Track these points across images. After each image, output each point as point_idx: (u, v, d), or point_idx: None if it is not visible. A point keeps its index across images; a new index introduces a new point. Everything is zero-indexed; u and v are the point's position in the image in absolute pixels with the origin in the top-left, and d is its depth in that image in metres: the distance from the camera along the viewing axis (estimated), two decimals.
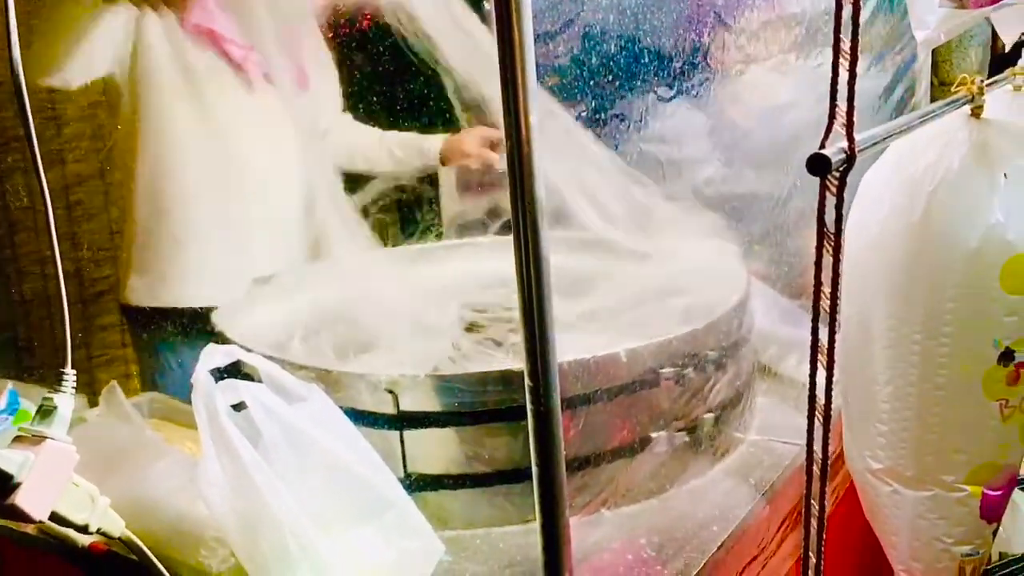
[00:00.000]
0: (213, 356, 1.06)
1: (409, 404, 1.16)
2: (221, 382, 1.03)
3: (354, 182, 1.81)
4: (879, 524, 0.99)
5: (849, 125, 0.63)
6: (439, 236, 1.83)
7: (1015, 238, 0.87)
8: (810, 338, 0.68)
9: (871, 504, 0.99)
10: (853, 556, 1.37)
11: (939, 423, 0.91)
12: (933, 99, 1.80)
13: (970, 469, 0.91)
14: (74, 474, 0.85)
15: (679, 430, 1.24)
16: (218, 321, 1.38)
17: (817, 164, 0.62)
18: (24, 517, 0.80)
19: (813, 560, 0.70)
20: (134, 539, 0.91)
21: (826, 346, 0.66)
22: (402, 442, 1.17)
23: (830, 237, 0.65)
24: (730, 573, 1.16)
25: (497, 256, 1.64)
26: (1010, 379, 0.90)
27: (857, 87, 0.66)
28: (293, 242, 1.79)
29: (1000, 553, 1.17)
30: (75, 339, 0.95)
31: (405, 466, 1.17)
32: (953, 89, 0.94)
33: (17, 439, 0.82)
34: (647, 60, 1.47)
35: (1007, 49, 1.38)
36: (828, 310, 0.65)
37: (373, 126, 1.96)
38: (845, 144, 0.64)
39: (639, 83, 1.52)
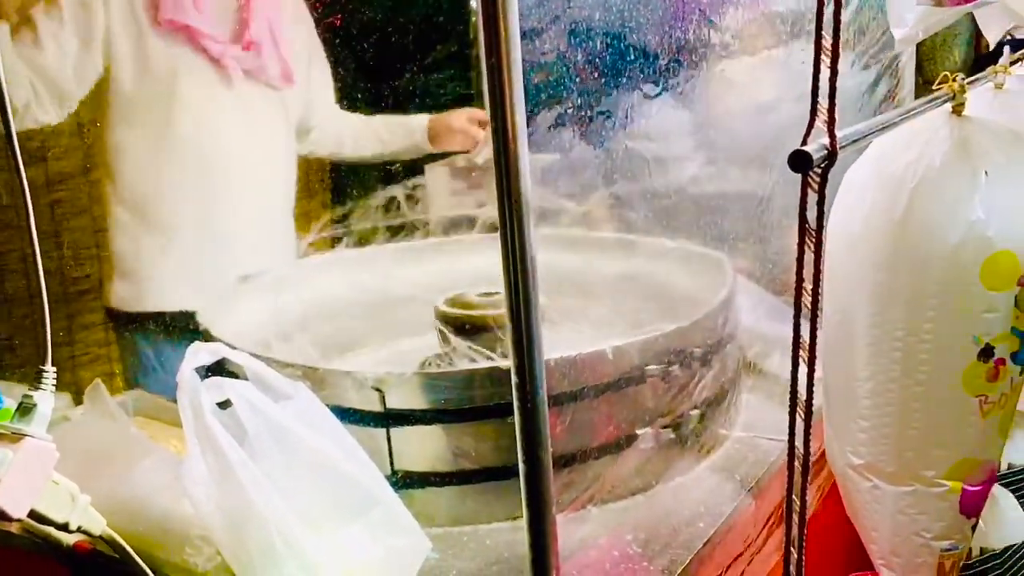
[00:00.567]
0: (198, 354, 1.05)
1: (396, 402, 1.16)
2: (207, 380, 1.03)
3: (342, 177, 1.81)
4: (860, 520, 1.00)
5: (831, 122, 0.63)
6: (426, 235, 1.83)
7: (995, 235, 0.88)
8: (792, 335, 0.68)
9: (852, 500, 1.00)
10: (836, 553, 1.38)
11: (919, 419, 0.92)
12: (917, 97, 1.82)
13: (950, 465, 0.92)
14: (54, 472, 0.84)
15: (665, 427, 1.24)
16: (203, 319, 1.37)
17: (798, 160, 0.62)
18: (2, 515, 0.79)
19: (795, 555, 0.71)
20: (115, 537, 0.91)
21: (808, 342, 0.66)
22: (389, 440, 1.17)
23: (811, 233, 0.65)
24: (716, 569, 1.16)
25: (483, 253, 1.64)
26: (990, 375, 0.90)
27: (841, 84, 0.67)
28: (279, 240, 1.78)
29: (980, 548, 1.18)
30: (57, 337, 0.94)
31: (392, 463, 1.17)
32: (935, 87, 0.95)
33: None
34: (632, 57, 1.47)
35: (991, 48, 1.39)
36: (810, 306, 0.66)
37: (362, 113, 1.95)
38: (827, 140, 0.64)
39: (624, 80, 1.53)
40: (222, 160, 1.73)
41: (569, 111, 1.44)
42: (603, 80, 1.48)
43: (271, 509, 0.98)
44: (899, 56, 1.65)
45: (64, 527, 0.87)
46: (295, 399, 1.08)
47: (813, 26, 0.67)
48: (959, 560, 0.97)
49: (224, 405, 1.03)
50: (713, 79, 1.53)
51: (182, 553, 1.04)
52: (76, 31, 1.58)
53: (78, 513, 0.88)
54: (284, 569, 0.99)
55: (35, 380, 0.84)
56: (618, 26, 1.36)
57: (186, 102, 1.69)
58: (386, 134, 1.93)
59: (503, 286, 0.82)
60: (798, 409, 0.65)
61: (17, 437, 0.81)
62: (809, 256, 0.65)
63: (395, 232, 1.78)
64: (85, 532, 0.89)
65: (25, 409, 0.82)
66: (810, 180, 0.64)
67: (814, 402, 0.66)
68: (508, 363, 1.18)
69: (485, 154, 1.90)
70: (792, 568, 0.70)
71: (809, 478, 0.74)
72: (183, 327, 1.59)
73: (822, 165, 0.63)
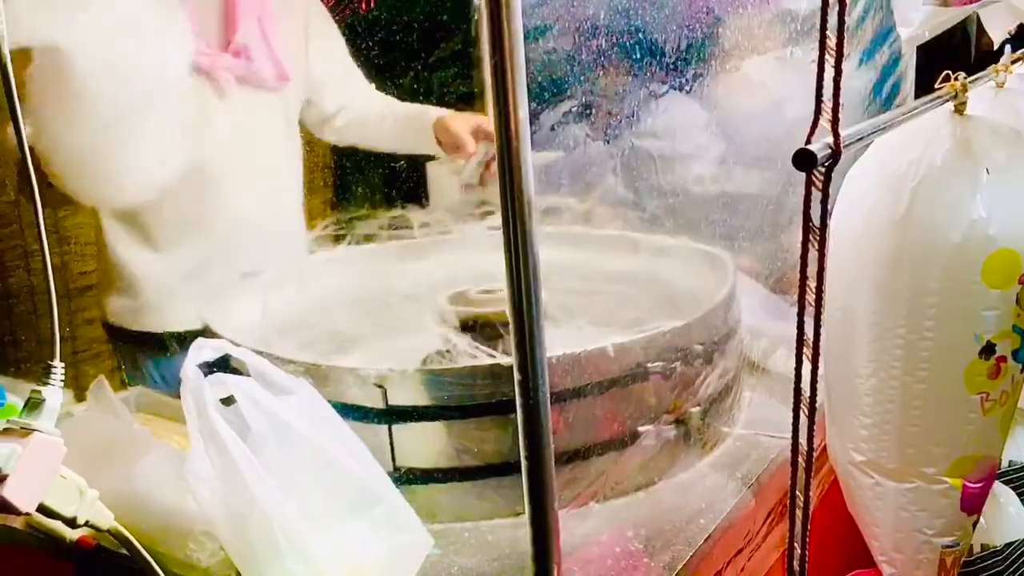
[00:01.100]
0: (202, 350, 1.06)
1: (398, 398, 1.17)
2: (210, 376, 1.03)
3: (346, 175, 1.80)
4: (861, 516, 1.00)
5: (835, 120, 0.63)
6: (427, 232, 1.82)
7: (997, 233, 0.88)
8: (795, 332, 0.68)
9: (853, 496, 1.00)
10: (837, 548, 1.38)
11: (921, 416, 0.92)
12: (918, 97, 1.82)
13: (951, 462, 0.93)
14: (62, 467, 0.85)
15: (667, 424, 1.25)
16: (205, 316, 1.38)
17: (802, 159, 0.63)
18: (11, 509, 0.79)
19: (798, 551, 0.71)
20: (123, 531, 0.91)
21: (811, 340, 0.67)
22: (391, 436, 1.17)
23: (815, 231, 0.66)
24: (717, 565, 1.17)
25: (485, 250, 1.64)
26: (991, 373, 0.91)
27: (844, 84, 0.67)
28: (285, 241, 1.76)
29: (981, 544, 1.18)
30: (61, 333, 0.94)
31: (394, 460, 1.18)
32: (937, 85, 0.95)
33: (4, 431, 0.82)
34: (640, 54, 1.48)
35: (995, 47, 1.39)
36: (813, 304, 0.66)
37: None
38: (831, 139, 0.64)
39: (632, 77, 1.53)
40: (221, 174, 1.66)
41: (571, 109, 1.45)
42: (606, 78, 1.48)
43: (274, 505, 0.98)
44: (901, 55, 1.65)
45: (72, 521, 0.87)
46: (297, 395, 1.08)
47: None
48: (960, 557, 0.98)
49: (227, 402, 1.03)
50: (718, 78, 1.54)
51: (185, 549, 1.05)
52: None
53: (86, 507, 0.88)
54: (287, 565, 1.00)
55: (43, 375, 0.84)
56: (622, 23, 1.37)
57: (179, 120, 1.60)
58: (404, 119, 1.88)
59: (506, 283, 0.83)
60: (802, 405, 0.66)
61: (26, 432, 0.81)
62: (813, 254, 0.66)
63: (397, 229, 1.77)
64: (93, 526, 0.89)
65: (33, 404, 0.83)
66: (814, 178, 0.64)
67: (816, 399, 0.67)
68: (510, 360, 1.19)
69: (469, 174, 1.83)
70: (795, 563, 0.70)
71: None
72: (183, 344, 1.56)
73: (826, 164, 0.64)
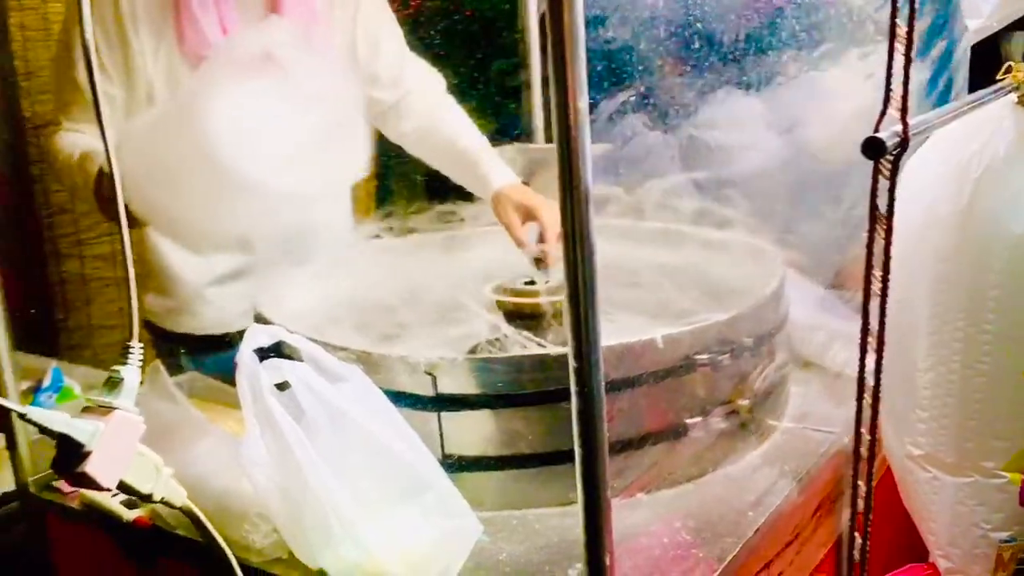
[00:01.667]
0: (257, 336, 1.07)
1: (447, 386, 1.18)
2: (265, 361, 1.05)
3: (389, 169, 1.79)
4: (917, 510, 0.99)
5: (903, 108, 0.63)
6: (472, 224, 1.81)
7: None
8: (860, 322, 0.68)
9: (909, 490, 0.99)
10: (887, 541, 1.37)
11: (980, 410, 0.91)
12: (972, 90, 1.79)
13: (1011, 456, 0.91)
14: (139, 444, 0.87)
15: (715, 416, 1.24)
16: (257, 303, 1.40)
17: (871, 147, 0.62)
18: (94, 485, 0.82)
19: (859, 540, 0.71)
20: (194, 509, 0.93)
21: (876, 330, 0.66)
22: (440, 424, 1.19)
23: (882, 220, 0.65)
24: (766, 558, 1.16)
25: None
26: None
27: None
28: (333, 233, 1.75)
29: None
30: (113, 319, 0.97)
31: (443, 447, 1.19)
32: (999, 77, 0.94)
33: (86, 409, 0.84)
34: (698, 46, 1.47)
35: None
36: (880, 293, 0.65)
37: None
38: (899, 127, 0.64)
39: (688, 69, 1.53)
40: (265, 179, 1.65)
41: (626, 101, 1.45)
42: (660, 69, 1.48)
43: (327, 490, 0.99)
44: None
45: (148, 497, 0.89)
46: (350, 382, 1.09)
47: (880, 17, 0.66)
48: (1018, 552, 0.96)
49: (282, 387, 1.05)
50: (772, 71, 1.53)
51: (240, 530, 1.07)
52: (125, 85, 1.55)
53: (161, 484, 0.90)
54: (339, 548, 1.01)
55: (122, 355, 0.87)
56: (685, 15, 1.36)
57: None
58: (467, 166, 1.72)
59: (564, 273, 0.83)
60: (865, 396, 0.65)
61: (107, 410, 0.83)
62: (878, 243, 0.65)
63: (443, 221, 1.78)
64: (167, 503, 0.91)
65: (113, 383, 0.85)
66: (881, 167, 0.63)
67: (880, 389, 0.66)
68: (558, 350, 1.20)
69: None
70: (856, 552, 0.70)
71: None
72: (223, 346, 1.55)
73: (894, 152, 0.63)
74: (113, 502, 1.22)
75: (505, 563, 1.10)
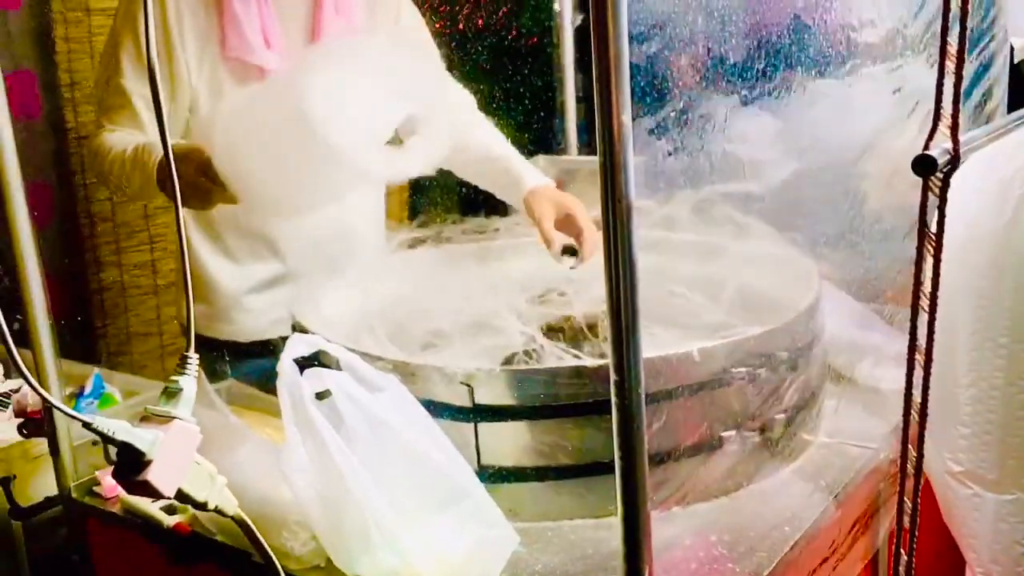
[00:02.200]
0: (297, 345, 1.09)
1: (484, 397, 1.18)
2: (307, 370, 1.06)
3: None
4: (957, 526, 0.98)
5: (954, 126, 0.63)
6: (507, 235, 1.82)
7: None
8: (903, 338, 0.68)
9: (949, 506, 0.98)
10: (926, 556, 1.35)
11: (1022, 427, 0.90)
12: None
13: None
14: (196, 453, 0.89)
15: (751, 430, 1.24)
16: (295, 312, 1.41)
17: (923, 164, 0.62)
18: (154, 493, 0.83)
19: (904, 557, 0.71)
20: (245, 519, 0.95)
21: (923, 347, 0.66)
22: (476, 434, 1.19)
23: (931, 238, 0.65)
24: (801, 573, 1.16)
25: None
26: None
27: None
28: (368, 244, 1.76)
29: None
30: (150, 327, 0.98)
31: (479, 458, 1.20)
32: None
33: (144, 419, 0.86)
34: (731, 62, 1.48)
35: None
36: (928, 310, 0.65)
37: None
38: (949, 145, 0.64)
39: (715, 85, 1.53)
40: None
41: (658, 114, 1.45)
42: (693, 85, 1.48)
43: (368, 497, 1.01)
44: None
45: (203, 506, 0.90)
46: (388, 391, 1.11)
47: (929, 41, 0.67)
48: None
49: (322, 396, 1.06)
50: (804, 87, 1.53)
51: (279, 537, 1.08)
52: (169, 97, 1.58)
53: (216, 493, 0.92)
54: (378, 556, 1.02)
55: (180, 365, 0.88)
56: (717, 32, 1.37)
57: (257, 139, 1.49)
58: (499, 173, 1.72)
59: (604, 285, 0.84)
60: (912, 412, 0.65)
61: (166, 419, 0.85)
62: (927, 260, 0.65)
63: (477, 232, 1.79)
64: (220, 512, 0.92)
65: (171, 393, 0.86)
66: (931, 184, 0.64)
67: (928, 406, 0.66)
68: (596, 361, 1.20)
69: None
70: (901, 569, 0.70)
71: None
72: (261, 353, 1.59)
73: (944, 169, 0.63)
74: (153, 508, 1.24)
75: (541, 574, 1.11)
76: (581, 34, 2.27)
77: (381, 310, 1.49)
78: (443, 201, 2.04)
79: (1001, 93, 1.73)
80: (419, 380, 1.19)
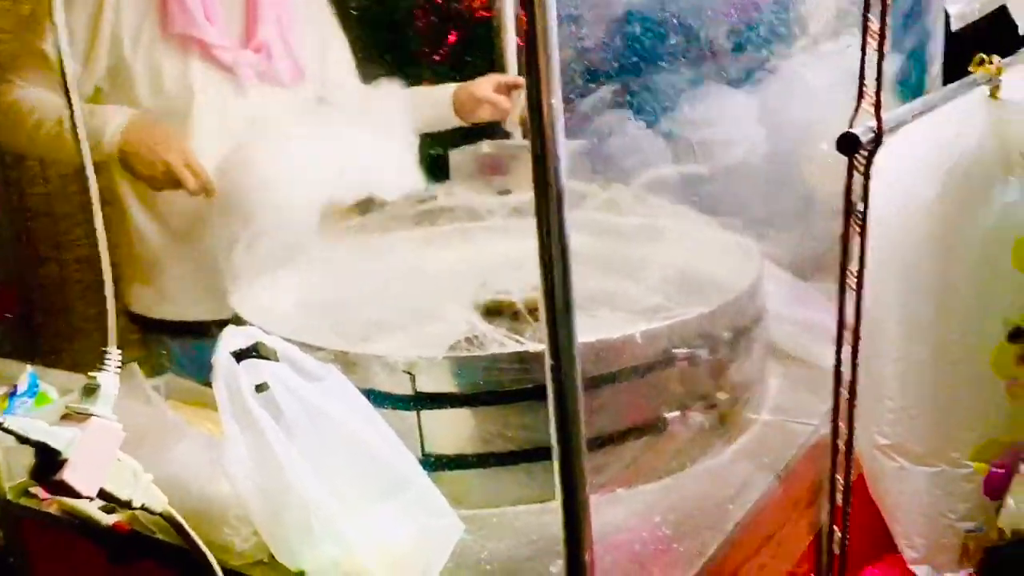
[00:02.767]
0: (233, 338, 1.07)
1: (426, 385, 1.17)
2: (243, 362, 1.04)
3: None
4: (884, 501, 1.00)
5: (877, 104, 0.63)
6: (450, 220, 1.82)
7: None
8: (836, 315, 0.68)
9: (876, 481, 1.00)
10: (869, 532, 1.38)
11: (948, 400, 0.92)
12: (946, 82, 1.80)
13: (977, 446, 0.92)
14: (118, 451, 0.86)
15: (694, 411, 1.25)
16: (233, 303, 1.39)
17: (846, 143, 0.62)
18: (72, 492, 0.81)
19: (838, 534, 0.72)
20: (175, 515, 0.93)
21: (852, 324, 0.67)
22: (419, 422, 1.18)
23: (857, 216, 0.66)
24: (747, 552, 1.17)
25: (510, 239, 1.65)
26: (1020, 358, 0.90)
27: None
28: (307, 232, 1.76)
29: (1012, 531, 1.17)
30: (90, 323, 0.96)
31: (423, 446, 1.19)
32: (971, 69, 0.95)
33: (64, 417, 0.83)
34: (677, 41, 1.48)
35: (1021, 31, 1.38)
36: (855, 288, 0.66)
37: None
38: (874, 123, 0.64)
39: (670, 64, 1.53)
40: (241, 168, 1.66)
41: (605, 97, 1.45)
42: (640, 66, 1.48)
43: (308, 489, 0.99)
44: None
45: (128, 504, 0.88)
46: (328, 382, 1.09)
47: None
48: (983, 541, 0.97)
49: (260, 388, 1.05)
50: (753, 67, 1.53)
51: (220, 533, 1.06)
52: (77, 58, 1.59)
53: (141, 490, 0.89)
54: (319, 548, 1.01)
55: (99, 361, 0.86)
56: (658, 10, 1.37)
57: (202, 117, 1.67)
58: (411, 108, 1.85)
59: (538, 270, 0.83)
60: (841, 389, 0.66)
61: (83, 416, 0.82)
62: (854, 238, 0.66)
63: (421, 218, 1.77)
64: (147, 509, 0.90)
65: (89, 389, 0.84)
66: (856, 163, 0.64)
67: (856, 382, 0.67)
68: (537, 346, 1.20)
69: (515, 116, 1.89)
70: (835, 546, 0.70)
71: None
72: (207, 333, 1.58)
73: (869, 148, 0.64)
74: (91, 508, 1.21)
75: (487, 561, 1.10)
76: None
77: (322, 300, 1.47)
78: None
79: (936, 71, 1.76)
80: (360, 369, 1.18)
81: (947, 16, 1.38)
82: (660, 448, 1.24)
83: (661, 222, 1.56)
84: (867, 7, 0.62)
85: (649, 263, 1.45)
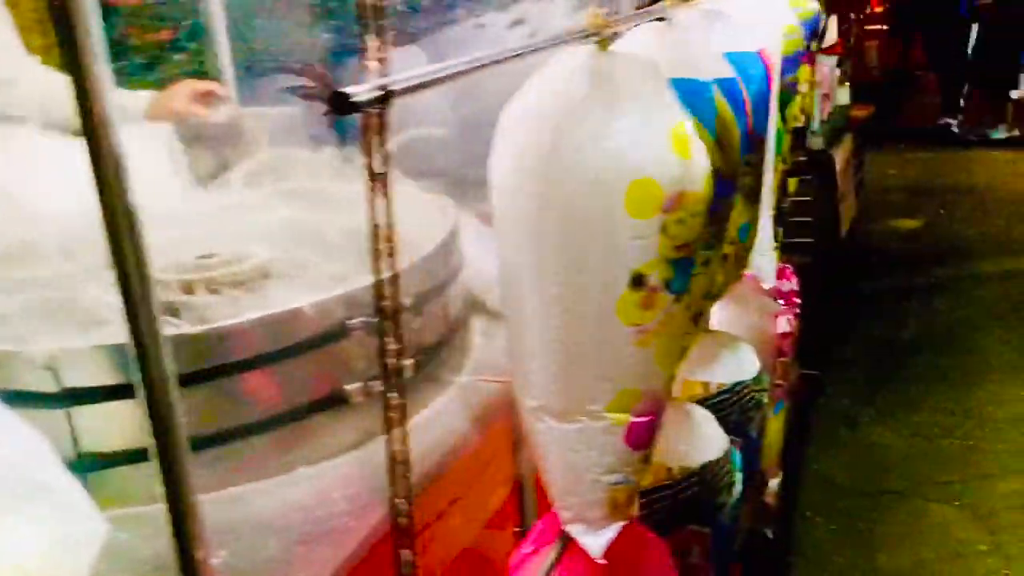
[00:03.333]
0: None
1: (74, 379, 1.08)
2: None
3: None
4: (539, 463, 1.00)
5: (382, 58, 0.60)
6: None
7: (636, 163, 0.88)
8: (374, 293, 0.65)
9: (532, 446, 1.00)
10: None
11: (580, 353, 0.92)
12: None
13: (612, 397, 0.93)
14: None
15: (377, 379, 1.22)
16: None
17: (339, 103, 0.59)
18: None
19: (405, 507, 0.70)
20: None
21: (391, 295, 0.64)
22: (69, 420, 1.09)
23: (379, 179, 0.62)
24: (436, 511, 1.16)
25: None
26: (644, 304, 0.91)
27: None
28: None
29: (680, 468, 1.23)
30: None
31: (76, 445, 1.10)
32: (587, 23, 0.94)
33: None
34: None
35: None
36: (388, 253, 0.63)
37: None
38: (381, 81, 0.61)
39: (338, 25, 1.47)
40: None
41: (269, 63, 1.38)
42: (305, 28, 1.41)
43: None
44: None
45: None
46: None
47: None
48: (633, 493, 0.99)
49: None
50: (435, 23, 1.50)
51: None
52: None
53: None
54: None
55: None
56: None
57: None
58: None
59: (107, 252, 0.75)
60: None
61: None
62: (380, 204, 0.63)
63: None
64: None
65: None
66: (370, 122, 0.60)
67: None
68: (195, 329, 1.13)
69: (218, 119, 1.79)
70: (402, 519, 0.68)
71: None
72: None
73: (376, 106, 0.60)
74: None
75: (147, 560, 1.04)
76: None
77: None
78: None
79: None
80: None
81: None
82: (344, 422, 1.20)
83: (359, 188, 1.51)
84: None
85: (342, 230, 1.39)
